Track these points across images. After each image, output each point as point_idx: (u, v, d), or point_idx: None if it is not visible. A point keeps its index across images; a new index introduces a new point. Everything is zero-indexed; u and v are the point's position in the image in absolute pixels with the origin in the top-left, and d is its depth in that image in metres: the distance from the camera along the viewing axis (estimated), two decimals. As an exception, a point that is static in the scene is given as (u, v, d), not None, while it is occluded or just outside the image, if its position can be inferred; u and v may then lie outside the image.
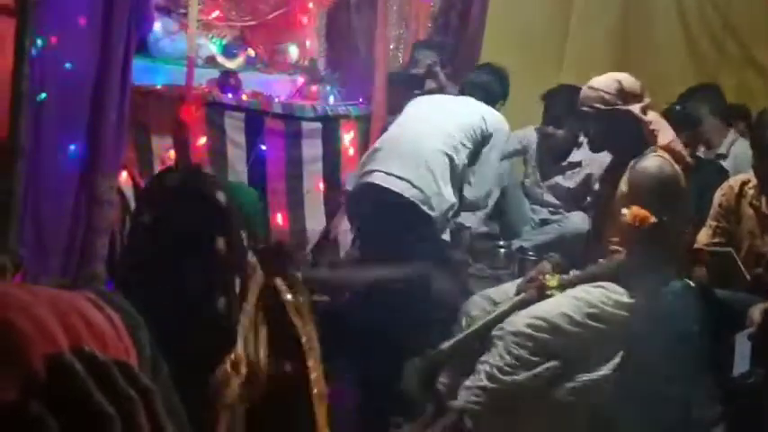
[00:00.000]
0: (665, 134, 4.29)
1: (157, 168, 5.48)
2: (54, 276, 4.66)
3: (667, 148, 4.23)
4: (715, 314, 4.10)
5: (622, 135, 4.28)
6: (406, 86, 5.58)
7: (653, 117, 4.33)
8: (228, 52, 5.96)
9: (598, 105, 4.27)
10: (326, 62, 6.33)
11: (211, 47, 5.95)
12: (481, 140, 4.96)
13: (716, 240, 4.42)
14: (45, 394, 0.74)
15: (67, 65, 4.70)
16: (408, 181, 4.75)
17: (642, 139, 4.26)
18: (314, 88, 6.05)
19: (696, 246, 4.47)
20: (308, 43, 6.21)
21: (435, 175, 4.82)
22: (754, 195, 4.33)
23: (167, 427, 0.79)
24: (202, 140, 5.57)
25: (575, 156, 5.78)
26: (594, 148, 4.56)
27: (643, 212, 4.05)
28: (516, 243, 5.63)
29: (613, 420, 4.15)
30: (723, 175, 5.13)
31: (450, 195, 4.85)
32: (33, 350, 0.77)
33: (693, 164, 5.02)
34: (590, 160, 5.57)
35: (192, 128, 5.52)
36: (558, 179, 5.85)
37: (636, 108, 4.26)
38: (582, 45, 6.75)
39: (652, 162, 4.20)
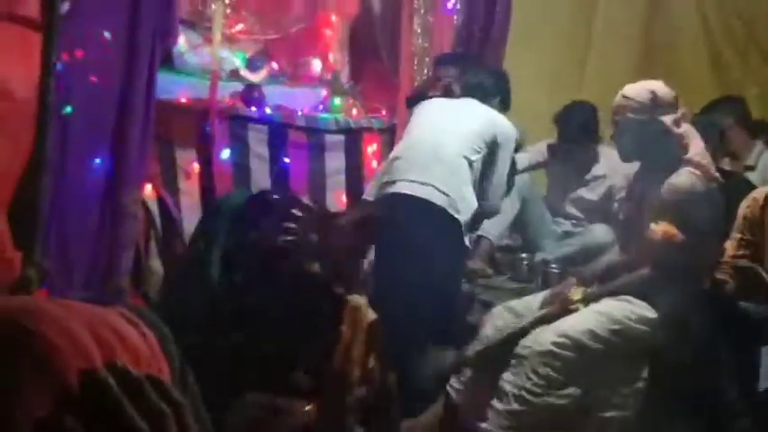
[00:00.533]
0: (695, 148, 4.26)
1: (182, 181, 5.51)
2: (78, 289, 4.68)
3: (693, 163, 4.20)
4: (740, 327, 4.08)
5: (653, 146, 4.24)
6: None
7: (685, 128, 4.29)
8: (252, 66, 5.98)
9: (630, 115, 4.24)
10: (350, 75, 6.34)
11: (235, 60, 5.97)
12: (492, 145, 4.94)
13: (741, 252, 4.39)
14: (79, 409, 0.75)
15: (93, 78, 4.73)
16: (433, 186, 4.75)
17: (673, 150, 4.23)
18: (337, 101, 6.06)
19: (722, 258, 4.45)
20: (331, 56, 6.22)
21: (458, 179, 4.81)
22: None
23: None
24: (226, 153, 5.59)
25: (597, 169, 5.76)
26: (624, 157, 4.51)
27: (672, 230, 4.02)
28: (539, 255, 5.61)
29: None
30: (749, 186, 5.11)
31: (473, 199, 4.85)
32: (67, 364, 0.78)
33: (720, 178, 5.01)
34: (612, 172, 5.56)
35: (215, 141, 5.54)
36: (582, 192, 5.84)
37: (668, 119, 4.23)
38: (604, 57, 6.73)
39: (685, 178, 4.16)
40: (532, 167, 5.92)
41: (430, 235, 4.66)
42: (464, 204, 4.79)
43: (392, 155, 5.02)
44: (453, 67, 5.56)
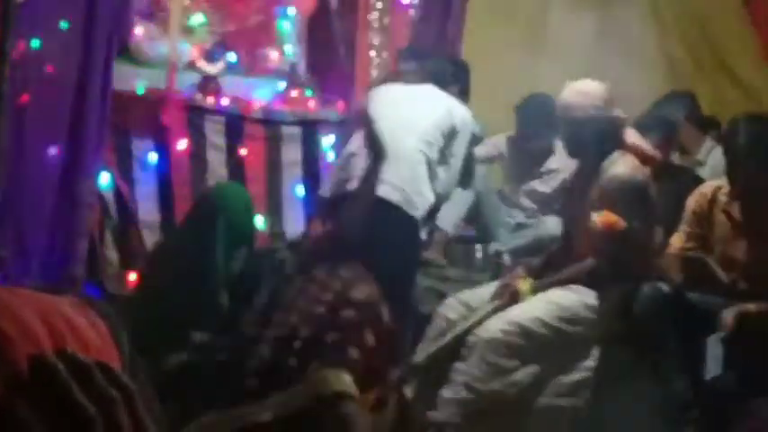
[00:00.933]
0: (629, 134, 4.33)
1: (137, 171, 5.50)
2: (34, 277, 4.67)
3: (634, 149, 4.27)
4: (687, 317, 4.15)
5: (604, 140, 4.30)
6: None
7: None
8: (210, 57, 5.98)
9: (591, 112, 4.30)
10: (307, 67, 6.35)
11: (192, 51, 5.96)
12: (449, 135, 4.95)
13: (689, 245, 4.47)
14: (28, 394, 0.76)
15: (48, 68, 4.72)
16: (390, 184, 4.77)
17: (615, 141, 4.30)
18: (294, 93, 6.07)
19: (669, 251, 4.52)
20: (288, 49, 6.23)
21: (415, 174, 4.82)
22: (726, 201, 4.38)
23: (149, 427, 0.80)
24: (183, 144, 5.59)
25: (551, 163, 5.82)
26: (574, 153, 4.56)
27: (613, 218, 4.09)
28: (493, 246, 5.67)
29: (593, 423, 4.20)
30: (697, 181, 5.19)
31: (429, 194, 4.86)
32: (17, 350, 0.78)
33: (666, 167, 5.09)
34: (566, 166, 5.62)
35: (172, 132, 5.54)
36: (535, 184, 5.90)
37: (620, 113, 4.32)
38: (560, 53, 6.78)
39: (623, 168, 4.23)
40: (488, 160, 5.97)
41: (386, 233, 4.68)
42: (421, 200, 4.81)
43: (348, 150, 4.99)
44: (414, 60, 5.57)
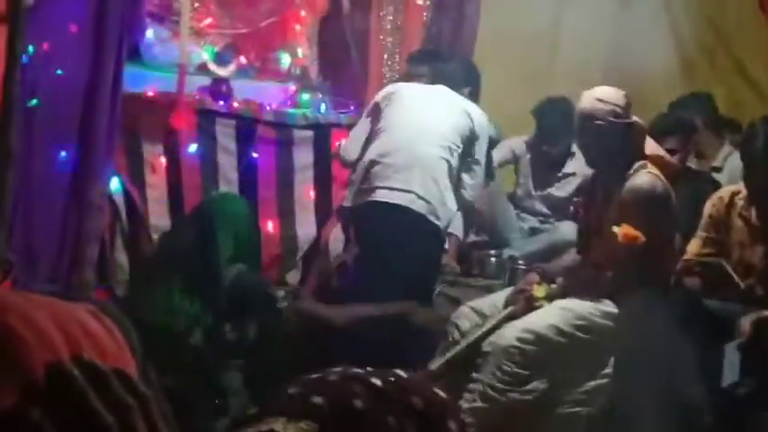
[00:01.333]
0: (650, 144, 4.30)
1: (148, 175, 5.49)
2: (43, 282, 4.65)
3: (654, 158, 4.24)
4: (705, 324, 4.11)
5: (622, 148, 4.26)
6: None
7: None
8: (220, 60, 5.96)
9: (611, 119, 4.25)
10: (319, 70, 6.33)
11: (203, 54, 5.95)
12: (469, 140, 4.92)
13: (706, 251, 4.43)
14: (45, 402, 0.74)
15: (59, 71, 4.71)
16: (414, 193, 4.71)
17: (633, 150, 4.27)
18: (306, 96, 6.05)
19: (687, 256, 4.48)
20: (300, 51, 6.21)
21: (438, 183, 4.79)
22: (743, 206, 4.34)
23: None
24: (193, 148, 5.57)
25: (569, 167, 5.78)
26: (592, 162, 4.50)
27: (634, 232, 4.03)
28: (507, 252, 5.63)
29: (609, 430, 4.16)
30: (715, 186, 5.15)
31: (452, 203, 4.84)
32: (34, 357, 0.78)
33: (683, 172, 5.05)
34: (582, 170, 5.58)
35: (183, 135, 5.52)
36: (552, 189, 5.87)
37: (639, 120, 4.28)
38: (572, 55, 6.76)
39: (644, 180, 4.18)
40: (501, 165, 5.93)
41: (411, 243, 4.64)
42: (444, 210, 4.78)
43: (368, 157, 4.89)
44: (426, 65, 5.55)
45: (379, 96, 5.12)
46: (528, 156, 5.92)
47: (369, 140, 4.95)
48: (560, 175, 5.83)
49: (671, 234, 4.33)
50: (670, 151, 5.07)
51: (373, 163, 4.85)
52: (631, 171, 4.22)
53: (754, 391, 3.91)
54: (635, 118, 4.29)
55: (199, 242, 4.38)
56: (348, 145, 5.08)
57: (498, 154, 5.73)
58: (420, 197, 4.70)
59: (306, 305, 4.89)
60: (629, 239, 4.03)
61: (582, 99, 4.38)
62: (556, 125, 5.56)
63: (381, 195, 4.75)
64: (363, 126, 5.04)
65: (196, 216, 4.66)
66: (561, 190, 5.83)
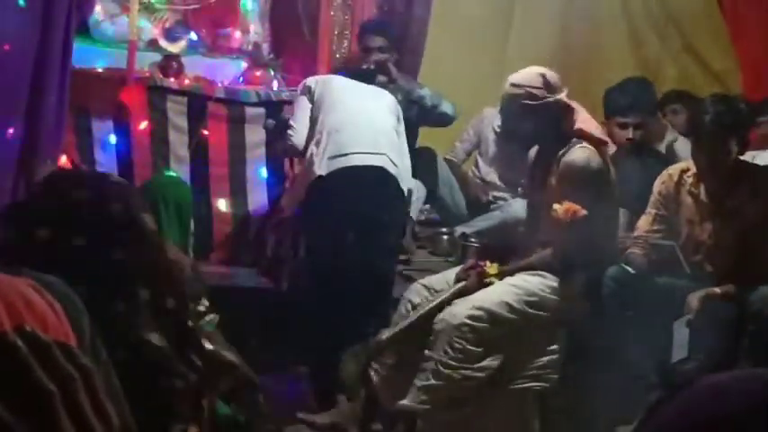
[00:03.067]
0: (582, 119, 4.31)
1: (98, 152, 5.44)
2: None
3: (586, 134, 4.25)
4: (653, 300, 4.16)
5: (551, 127, 4.26)
6: (357, 81, 5.53)
7: (574, 105, 4.36)
8: (171, 36, 5.91)
9: (528, 101, 4.25)
10: (270, 47, 6.30)
11: (153, 30, 5.89)
12: (398, 122, 5.00)
13: (655, 228, 4.47)
14: None
15: (6, 46, 4.63)
16: (386, 155, 4.76)
17: (565, 127, 4.27)
18: (258, 73, 6.02)
19: (637, 233, 4.53)
20: (252, 28, 6.17)
21: (399, 150, 4.88)
22: (692, 183, 4.39)
23: (107, 405, 0.80)
24: (144, 124, 5.52)
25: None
26: (526, 144, 4.52)
27: (574, 207, 4.06)
28: (459, 229, 5.65)
29: (561, 406, 4.20)
30: (668, 164, 5.21)
31: (409, 169, 4.93)
32: None
33: (638, 149, 5.10)
34: None
35: (133, 112, 5.47)
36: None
37: (563, 97, 4.29)
38: (525, 35, 6.79)
39: (579, 155, 4.19)
40: (468, 153, 5.99)
41: (387, 206, 4.69)
42: (407, 175, 4.85)
43: (326, 129, 4.87)
44: (381, 36, 5.54)
45: (309, 81, 5.10)
46: (488, 129, 5.92)
47: (314, 121, 4.93)
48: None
49: (611, 209, 4.36)
50: (629, 125, 5.13)
51: (335, 132, 4.83)
52: (565, 148, 4.23)
53: (702, 366, 3.96)
54: (560, 95, 4.28)
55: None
56: (297, 134, 5.02)
57: (466, 144, 5.79)
58: (391, 161, 4.75)
59: None
60: (570, 214, 4.06)
61: (505, 82, 4.37)
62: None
63: (355, 159, 4.75)
64: (304, 111, 5.01)
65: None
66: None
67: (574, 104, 4.34)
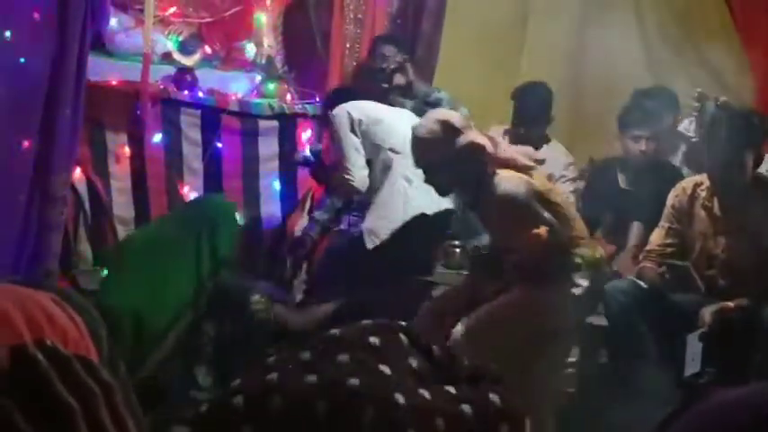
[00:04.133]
0: (505, 149, 4.20)
1: (112, 165, 5.46)
2: (6, 272, 4.61)
3: (509, 162, 4.10)
4: (666, 314, 4.14)
5: (470, 168, 4.07)
6: (374, 81, 5.54)
7: (489, 137, 4.23)
8: (185, 49, 5.93)
9: (433, 154, 4.08)
10: (284, 60, 6.31)
11: (168, 43, 5.91)
12: None
13: (668, 241, 4.46)
14: (8, 385, 0.74)
15: (21, 60, 4.65)
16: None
17: (487, 163, 4.09)
18: (271, 86, 6.03)
19: (650, 246, 4.51)
20: (265, 41, 6.18)
21: None
22: (706, 197, 4.38)
23: (127, 421, 0.79)
24: (158, 137, 5.54)
25: (539, 153, 5.81)
26: (444, 192, 4.39)
27: (534, 231, 3.91)
28: (471, 242, 5.62)
29: (577, 421, 4.18)
30: (678, 176, 5.21)
31: None
32: None
33: (650, 163, 5.08)
34: (552, 159, 5.64)
35: (147, 125, 5.48)
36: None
37: (473, 136, 4.10)
38: (538, 50, 6.77)
39: (505, 186, 4.02)
40: None
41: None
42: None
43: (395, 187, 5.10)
44: (395, 46, 5.56)
45: (349, 112, 5.10)
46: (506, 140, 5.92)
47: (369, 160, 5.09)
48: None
49: (565, 220, 4.18)
50: (642, 138, 5.11)
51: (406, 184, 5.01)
52: (492, 183, 4.06)
53: (715, 381, 3.94)
54: (468, 135, 4.09)
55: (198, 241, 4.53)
56: (357, 177, 5.07)
57: None
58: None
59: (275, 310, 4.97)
60: (534, 240, 3.92)
61: (413, 128, 4.23)
62: (534, 108, 5.57)
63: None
64: (358, 150, 5.07)
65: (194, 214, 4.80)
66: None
67: (488, 137, 4.20)
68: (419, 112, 5.13)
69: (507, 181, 4.02)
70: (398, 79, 5.51)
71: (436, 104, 5.41)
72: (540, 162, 5.53)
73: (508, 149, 4.19)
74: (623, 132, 5.22)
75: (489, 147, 4.09)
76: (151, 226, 5.25)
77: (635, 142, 5.16)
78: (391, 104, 5.38)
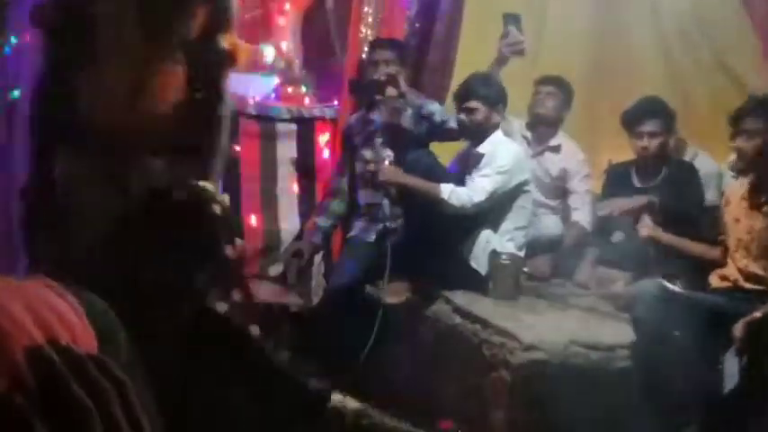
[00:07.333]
0: None
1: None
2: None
3: None
4: (699, 319, 4.05)
5: None
6: (366, 93, 5.49)
7: None
8: (203, 52, 5.92)
9: None
10: (303, 64, 6.30)
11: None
12: None
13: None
14: (27, 387, 0.75)
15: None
16: None
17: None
18: (290, 89, 6.02)
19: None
20: (284, 44, 6.18)
21: None
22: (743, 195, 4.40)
23: (142, 419, 0.80)
24: (177, 141, 5.53)
25: (555, 139, 5.84)
26: None
27: None
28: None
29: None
30: (695, 175, 5.19)
31: None
32: (13, 343, 0.77)
33: (662, 159, 5.08)
34: (566, 150, 5.67)
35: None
36: (543, 159, 5.86)
37: None
38: (555, 52, 6.74)
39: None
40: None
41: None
42: None
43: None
44: (389, 50, 5.51)
45: None
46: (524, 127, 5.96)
47: None
48: (549, 146, 5.84)
49: None
50: (651, 134, 5.09)
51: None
52: None
53: (754, 394, 3.84)
54: None
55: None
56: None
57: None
58: None
59: None
60: None
61: None
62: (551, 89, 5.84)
63: None
64: None
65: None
66: (549, 162, 5.83)
67: None
68: (413, 123, 5.17)
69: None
70: (390, 91, 5.42)
71: (429, 117, 5.35)
72: (557, 148, 5.64)
73: None
74: (627, 131, 5.22)
75: None
76: None
77: (638, 139, 5.15)
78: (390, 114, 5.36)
